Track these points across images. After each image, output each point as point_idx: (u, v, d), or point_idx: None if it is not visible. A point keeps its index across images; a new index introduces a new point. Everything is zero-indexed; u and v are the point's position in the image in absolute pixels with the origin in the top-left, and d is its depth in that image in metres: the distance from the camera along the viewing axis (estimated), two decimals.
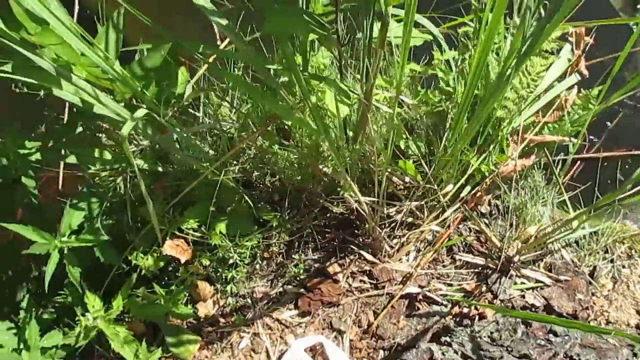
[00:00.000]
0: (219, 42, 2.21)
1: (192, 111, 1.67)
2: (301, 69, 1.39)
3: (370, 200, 1.51)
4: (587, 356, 1.39)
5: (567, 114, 1.67)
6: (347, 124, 1.47)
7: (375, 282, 1.63)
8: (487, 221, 1.74)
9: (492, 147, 1.60)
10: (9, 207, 1.55)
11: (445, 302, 1.62)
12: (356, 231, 1.66)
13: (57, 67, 1.16)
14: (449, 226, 1.67)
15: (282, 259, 1.62)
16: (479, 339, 1.47)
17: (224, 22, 1.22)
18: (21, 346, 1.53)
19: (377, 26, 1.25)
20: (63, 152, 1.45)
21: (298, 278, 1.63)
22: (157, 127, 1.43)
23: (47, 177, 2.08)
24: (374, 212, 1.55)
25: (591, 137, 2.15)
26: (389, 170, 1.49)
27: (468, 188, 1.65)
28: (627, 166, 2.11)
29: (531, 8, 1.01)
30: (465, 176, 1.59)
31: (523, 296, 1.64)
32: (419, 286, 1.63)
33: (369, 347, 1.57)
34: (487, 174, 1.62)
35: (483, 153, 1.60)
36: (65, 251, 1.41)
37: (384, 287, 1.62)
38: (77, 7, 2.27)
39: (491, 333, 1.51)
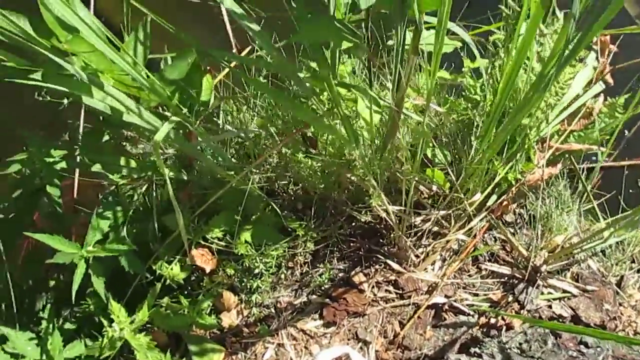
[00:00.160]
0: (234, 46, 2.20)
1: (215, 119, 1.66)
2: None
3: (398, 209, 1.49)
4: None
5: (593, 123, 1.66)
6: (374, 132, 1.45)
7: (401, 291, 1.61)
8: (512, 230, 1.72)
9: (518, 155, 1.59)
10: (31, 216, 1.54)
11: (471, 312, 1.60)
12: (381, 240, 1.64)
13: (89, 75, 1.15)
14: (475, 235, 1.65)
15: (307, 269, 1.60)
16: (508, 350, 1.45)
17: (256, 27, 1.21)
18: (43, 357, 1.51)
19: (408, 34, 1.24)
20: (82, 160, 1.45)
21: (323, 288, 1.61)
22: (184, 136, 1.42)
23: (62, 185, 2.07)
24: (400, 221, 1.53)
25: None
26: (417, 178, 1.48)
27: (494, 197, 1.63)
28: None
29: (575, 15, 1.00)
30: (492, 185, 1.57)
31: (550, 306, 1.62)
32: (445, 296, 1.61)
33: (395, 358, 1.54)
34: (513, 182, 1.60)
35: (510, 161, 1.58)
36: (90, 260, 1.40)
37: (409, 297, 1.60)
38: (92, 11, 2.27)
39: (520, 344, 1.49)
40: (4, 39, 1.10)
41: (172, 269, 1.48)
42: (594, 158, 1.86)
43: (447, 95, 1.60)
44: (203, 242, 1.49)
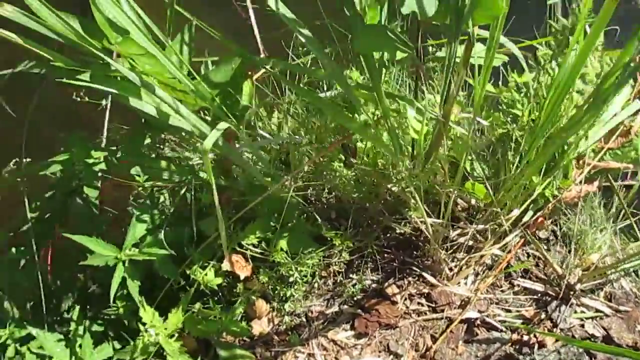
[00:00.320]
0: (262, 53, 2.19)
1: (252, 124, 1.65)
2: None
3: (436, 221, 1.48)
4: None
5: (631, 141, 1.65)
6: (416, 143, 1.44)
7: (433, 305, 1.59)
8: (545, 247, 1.71)
9: (556, 171, 1.57)
10: (66, 217, 1.53)
11: (504, 329, 1.58)
12: (415, 252, 1.63)
13: (141, 78, 1.13)
14: (509, 251, 1.63)
15: (340, 278, 1.59)
16: None
17: (307, 33, 1.20)
18: (72, 359, 1.50)
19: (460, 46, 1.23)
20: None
21: (355, 298, 1.59)
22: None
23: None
24: (437, 234, 1.52)
25: None
26: (456, 192, 1.47)
27: (530, 212, 1.62)
28: None
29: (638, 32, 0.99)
30: (529, 201, 1.56)
31: (582, 325, 1.60)
32: (479, 311, 1.59)
33: None
34: (550, 198, 1.59)
35: (547, 177, 1.57)
36: (126, 263, 1.38)
37: (442, 311, 1.59)
38: None
39: None
40: (59, 38, 1.09)
41: (206, 274, 1.46)
42: (630, 176, 1.85)
43: (487, 109, 1.59)
44: (237, 249, 1.48)
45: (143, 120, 1.37)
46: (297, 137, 1.54)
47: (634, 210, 1.80)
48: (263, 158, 1.44)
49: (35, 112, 2.57)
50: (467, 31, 1.19)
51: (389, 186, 1.45)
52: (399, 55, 1.16)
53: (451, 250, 1.60)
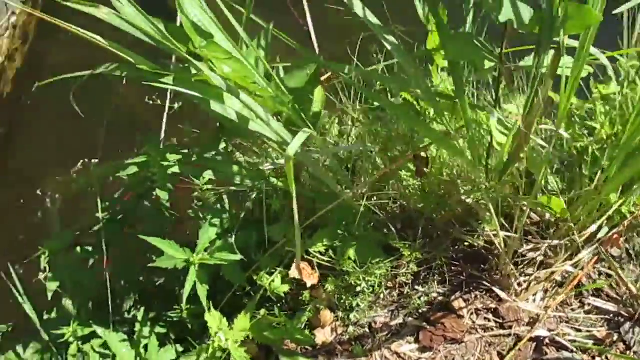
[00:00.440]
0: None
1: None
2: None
3: (509, 235, 1.44)
4: None
5: None
6: (492, 154, 1.41)
7: (501, 321, 1.55)
8: (618, 265, 1.64)
9: (635, 187, 1.52)
10: (135, 218, 1.54)
11: (574, 349, 1.52)
12: (483, 266, 1.59)
13: (227, 82, 1.13)
14: (582, 268, 1.58)
15: (408, 290, 1.56)
16: None
17: (393, 40, 1.18)
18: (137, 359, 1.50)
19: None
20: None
21: (420, 310, 1.56)
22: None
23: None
24: (509, 248, 1.48)
25: None
26: (530, 205, 1.42)
27: (605, 229, 1.56)
28: None
29: None
30: (605, 217, 1.51)
31: None
32: (548, 329, 1.54)
33: None
34: (627, 215, 1.53)
35: (625, 193, 1.52)
36: (196, 267, 1.38)
37: (510, 328, 1.54)
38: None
39: None
40: (150, 41, 1.10)
41: (273, 281, 1.45)
42: None
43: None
44: (304, 256, 1.46)
45: (218, 124, 1.37)
46: (369, 145, 1.52)
47: None
48: (337, 165, 1.43)
49: (91, 115, 2.62)
50: (554, 40, 1.15)
51: (462, 197, 1.42)
52: (487, 64, 1.13)
53: (521, 266, 1.56)
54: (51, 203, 2.44)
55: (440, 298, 1.57)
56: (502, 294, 1.53)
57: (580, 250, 1.56)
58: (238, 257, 1.37)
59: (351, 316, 1.53)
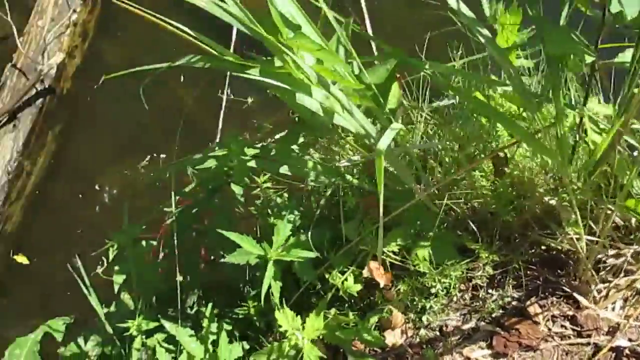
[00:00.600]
0: None
1: None
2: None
3: (593, 239, 1.38)
4: None
5: None
6: (579, 154, 1.36)
7: (579, 329, 1.49)
8: None
9: None
10: (205, 213, 1.53)
11: None
12: (559, 271, 1.53)
13: (318, 73, 1.11)
14: None
15: (482, 293, 1.51)
16: None
17: (487, 33, 1.14)
18: (206, 356, 1.49)
19: None
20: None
21: (493, 315, 1.51)
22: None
23: None
24: (592, 253, 1.42)
25: None
26: (618, 209, 1.37)
27: None
28: None
29: None
30: None
31: None
32: (629, 339, 1.47)
33: None
34: None
35: None
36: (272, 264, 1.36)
37: (589, 336, 1.48)
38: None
39: None
40: (246, 30, 1.09)
41: (346, 279, 1.43)
42: None
43: None
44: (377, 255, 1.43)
45: (296, 119, 1.35)
46: (448, 143, 1.49)
47: None
48: (418, 163, 1.40)
49: (143, 114, 2.64)
50: None
51: (545, 198, 1.37)
52: (588, 58, 1.08)
53: (601, 272, 1.50)
54: (108, 198, 2.47)
55: (514, 303, 1.52)
56: (583, 301, 1.47)
57: None
58: (314, 254, 1.34)
59: (423, 318, 1.49)
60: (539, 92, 1.20)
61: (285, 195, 1.77)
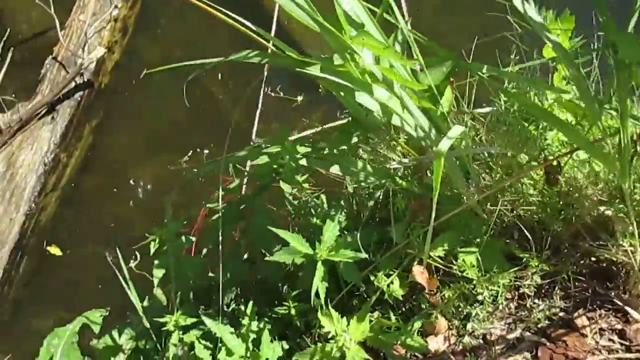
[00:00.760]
0: None
1: None
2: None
3: None
4: None
5: None
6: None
7: (627, 343, 1.46)
8: None
9: None
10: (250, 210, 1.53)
11: None
12: (608, 283, 1.50)
13: (383, 73, 1.10)
14: None
15: (530, 302, 1.49)
16: None
17: (555, 39, 1.12)
18: (247, 354, 1.48)
19: None
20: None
21: (539, 325, 1.48)
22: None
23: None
24: None
25: None
26: None
27: None
28: None
29: None
30: None
31: None
32: None
33: None
34: None
35: None
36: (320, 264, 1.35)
37: (638, 351, 1.44)
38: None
39: None
40: (315, 25, 1.08)
41: (392, 282, 1.41)
42: None
43: None
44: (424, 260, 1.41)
45: (350, 118, 1.34)
46: (501, 149, 1.47)
47: None
48: (472, 167, 1.38)
49: (178, 111, 2.64)
50: None
51: (600, 208, 1.34)
52: None
53: None
54: (142, 193, 2.48)
55: (561, 314, 1.49)
56: (634, 314, 1.44)
57: None
58: (363, 255, 1.33)
59: (468, 326, 1.46)
60: (602, 99, 1.17)
61: (323, 196, 1.77)
